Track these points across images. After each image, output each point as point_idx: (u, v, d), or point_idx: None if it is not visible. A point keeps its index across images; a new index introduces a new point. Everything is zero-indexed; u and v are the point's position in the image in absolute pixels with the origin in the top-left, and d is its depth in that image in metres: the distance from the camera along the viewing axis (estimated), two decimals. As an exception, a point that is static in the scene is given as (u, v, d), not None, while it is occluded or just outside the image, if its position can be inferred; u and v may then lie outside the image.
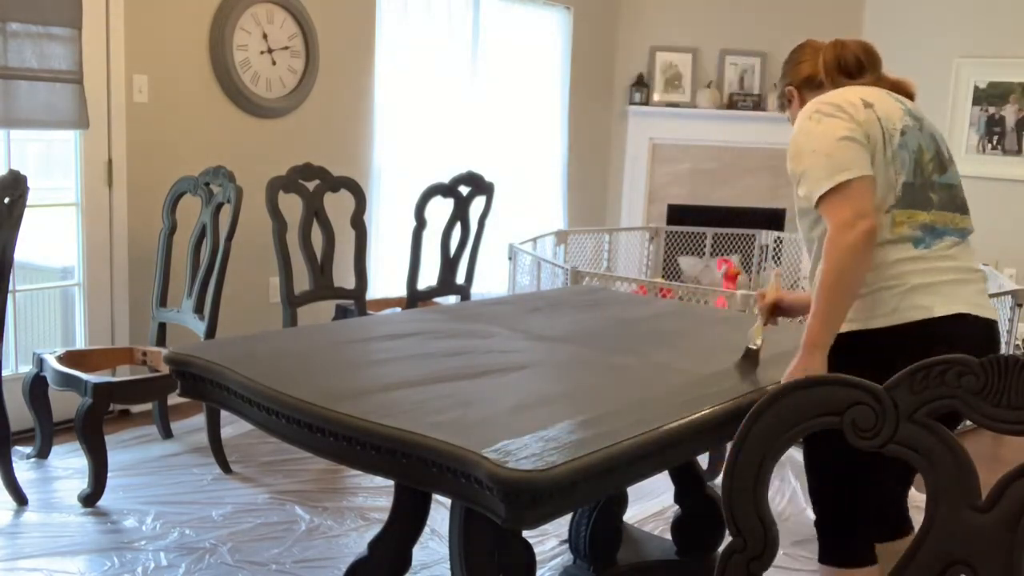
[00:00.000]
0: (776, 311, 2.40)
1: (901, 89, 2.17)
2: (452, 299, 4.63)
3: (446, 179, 4.37)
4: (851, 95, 2.05)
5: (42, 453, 3.59)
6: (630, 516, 3.17)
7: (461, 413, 1.83)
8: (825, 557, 2.09)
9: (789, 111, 2.28)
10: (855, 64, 2.17)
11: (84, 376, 3.26)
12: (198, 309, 3.62)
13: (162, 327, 3.83)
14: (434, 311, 2.88)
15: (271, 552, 2.95)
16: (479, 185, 4.48)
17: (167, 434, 3.91)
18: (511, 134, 5.99)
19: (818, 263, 2.04)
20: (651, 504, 3.45)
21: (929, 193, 2.03)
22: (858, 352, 1.99)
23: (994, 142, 6.03)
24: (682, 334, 2.67)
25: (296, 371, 2.08)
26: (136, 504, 3.26)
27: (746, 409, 1.41)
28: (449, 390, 1.99)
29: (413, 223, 4.29)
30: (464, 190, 4.42)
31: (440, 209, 4.35)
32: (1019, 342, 4.93)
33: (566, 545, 2.92)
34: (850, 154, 1.95)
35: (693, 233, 6.45)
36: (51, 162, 4.05)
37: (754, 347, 2.29)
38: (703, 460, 3.44)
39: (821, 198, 1.95)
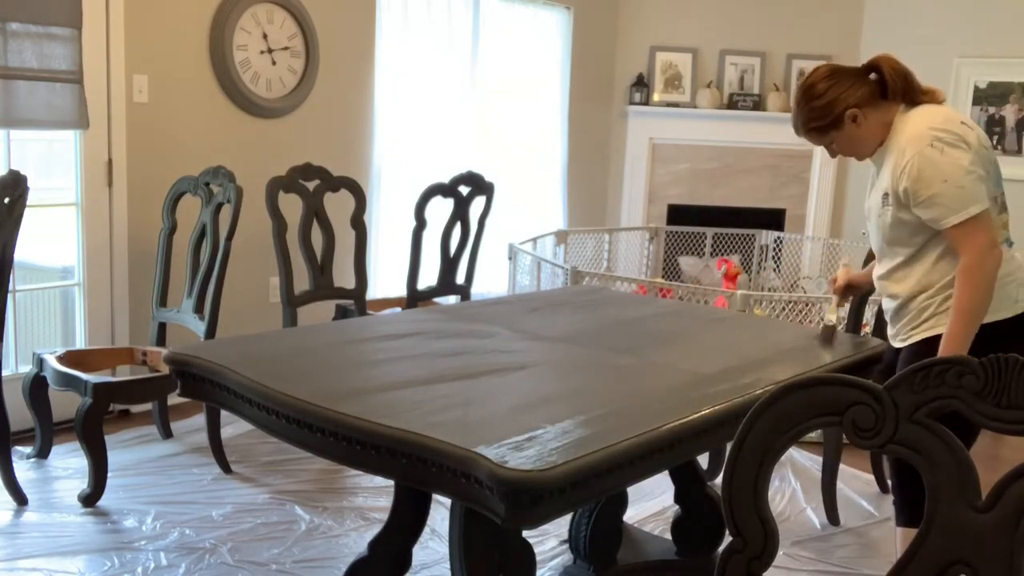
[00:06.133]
0: (848, 291, 2.78)
1: (938, 100, 2.39)
2: (452, 299, 4.63)
3: (446, 179, 4.37)
4: (951, 116, 2.31)
5: (42, 453, 3.59)
6: (630, 516, 3.17)
7: (461, 413, 1.83)
8: (902, 520, 2.35)
9: (839, 132, 2.39)
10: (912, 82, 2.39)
11: (84, 376, 3.25)
12: (198, 309, 3.62)
13: (162, 327, 3.83)
14: (434, 311, 2.88)
15: (271, 552, 2.95)
16: (479, 185, 4.48)
17: (167, 434, 3.90)
18: (511, 134, 5.98)
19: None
20: (651, 504, 3.45)
21: (1000, 198, 2.37)
22: (986, 344, 2.22)
23: (994, 142, 6.02)
24: (682, 334, 2.67)
25: (296, 371, 2.08)
26: (136, 504, 3.26)
27: (746, 409, 1.40)
28: (449, 390, 1.99)
29: (413, 223, 4.29)
30: (464, 190, 4.42)
31: (440, 209, 4.35)
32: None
33: (566, 545, 2.92)
34: (979, 187, 2.25)
35: (693, 233, 6.45)
36: (51, 162, 4.05)
37: (831, 323, 2.60)
38: (703, 460, 3.44)
39: (955, 225, 2.24)
